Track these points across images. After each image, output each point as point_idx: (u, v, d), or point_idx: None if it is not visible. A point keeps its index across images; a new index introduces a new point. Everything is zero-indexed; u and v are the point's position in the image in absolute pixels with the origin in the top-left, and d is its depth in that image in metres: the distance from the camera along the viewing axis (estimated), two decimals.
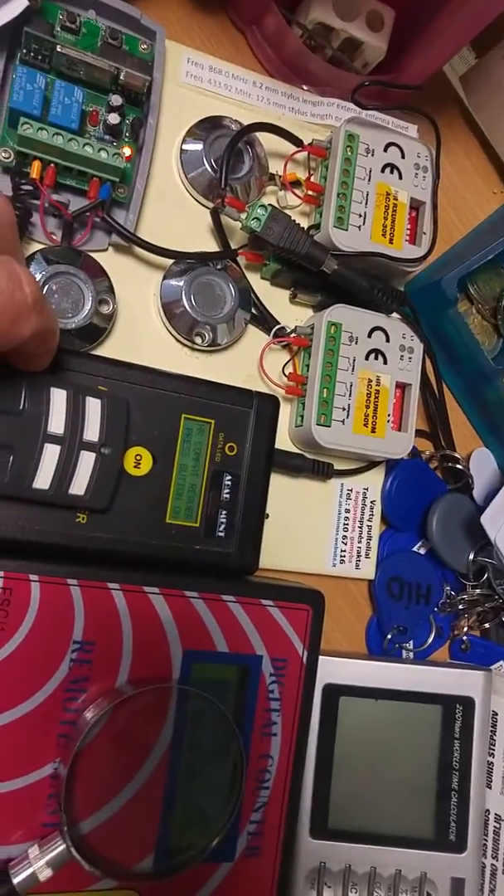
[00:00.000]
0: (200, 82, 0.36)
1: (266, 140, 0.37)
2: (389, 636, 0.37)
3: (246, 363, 0.36)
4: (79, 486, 0.27)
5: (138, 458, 0.29)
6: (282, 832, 0.30)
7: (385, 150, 0.37)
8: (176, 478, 0.30)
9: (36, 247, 0.32)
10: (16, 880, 0.24)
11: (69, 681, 0.27)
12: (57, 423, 0.27)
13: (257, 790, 0.29)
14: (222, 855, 0.28)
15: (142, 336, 0.34)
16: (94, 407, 0.27)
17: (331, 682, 0.33)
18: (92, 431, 0.27)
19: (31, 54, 0.31)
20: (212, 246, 0.36)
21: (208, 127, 0.36)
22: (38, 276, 0.31)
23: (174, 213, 0.35)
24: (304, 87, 0.39)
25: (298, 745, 0.30)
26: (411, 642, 0.37)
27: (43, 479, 0.26)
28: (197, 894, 0.28)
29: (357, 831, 0.33)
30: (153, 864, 0.27)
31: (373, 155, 0.37)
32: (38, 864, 0.25)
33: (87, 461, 0.27)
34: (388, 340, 0.36)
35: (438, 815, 0.34)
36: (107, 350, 0.33)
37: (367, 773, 0.33)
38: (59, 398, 0.27)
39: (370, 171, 0.37)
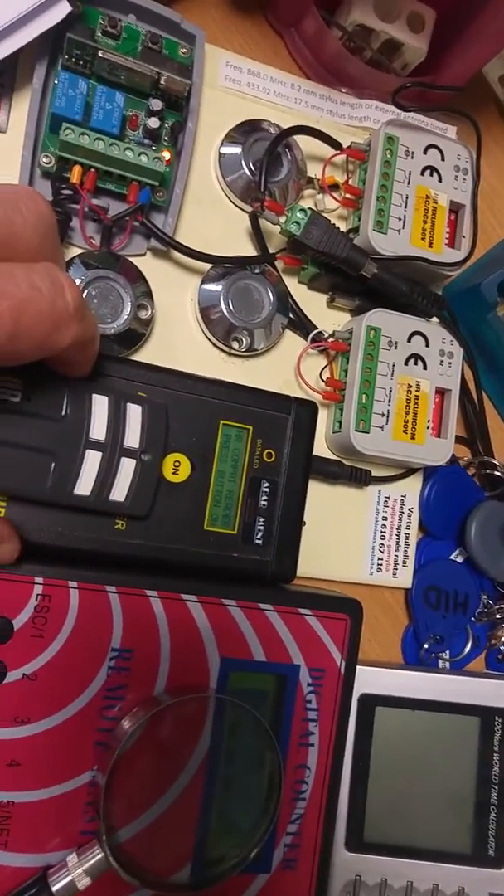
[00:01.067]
0: (239, 85, 0.36)
1: (304, 143, 0.36)
2: (426, 645, 0.36)
3: (283, 368, 0.35)
4: (119, 492, 0.26)
5: (177, 464, 0.29)
6: (319, 845, 0.29)
7: (425, 152, 0.36)
8: (214, 484, 0.29)
9: (75, 252, 0.32)
10: (55, 888, 0.24)
11: (107, 688, 0.26)
12: (98, 429, 0.26)
13: (294, 801, 0.29)
14: (258, 867, 0.28)
15: (179, 341, 0.34)
16: (134, 413, 0.27)
17: (367, 692, 0.33)
18: (133, 438, 0.27)
19: (73, 59, 0.31)
20: (249, 250, 0.35)
21: (247, 130, 0.35)
22: (77, 282, 0.31)
23: (212, 217, 0.35)
24: (343, 90, 0.38)
25: (336, 756, 0.30)
26: (448, 652, 0.37)
27: (84, 486, 0.26)
28: None
29: (393, 844, 0.32)
30: (190, 874, 0.27)
31: (412, 157, 0.36)
32: (76, 871, 0.24)
33: (127, 468, 0.27)
34: (427, 345, 0.35)
35: (477, 829, 0.33)
36: (145, 355, 0.33)
37: (404, 786, 0.33)
38: (100, 404, 0.26)
39: (409, 174, 0.36)
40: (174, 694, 0.27)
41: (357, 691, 0.32)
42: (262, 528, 0.30)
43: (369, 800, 0.32)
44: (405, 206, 0.35)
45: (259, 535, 0.30)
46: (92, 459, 0.26)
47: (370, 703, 0.33)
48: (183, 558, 0.28)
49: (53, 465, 0.25)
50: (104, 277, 0.32)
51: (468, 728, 0.34)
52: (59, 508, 0.26)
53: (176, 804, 0.27)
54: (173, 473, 0.28)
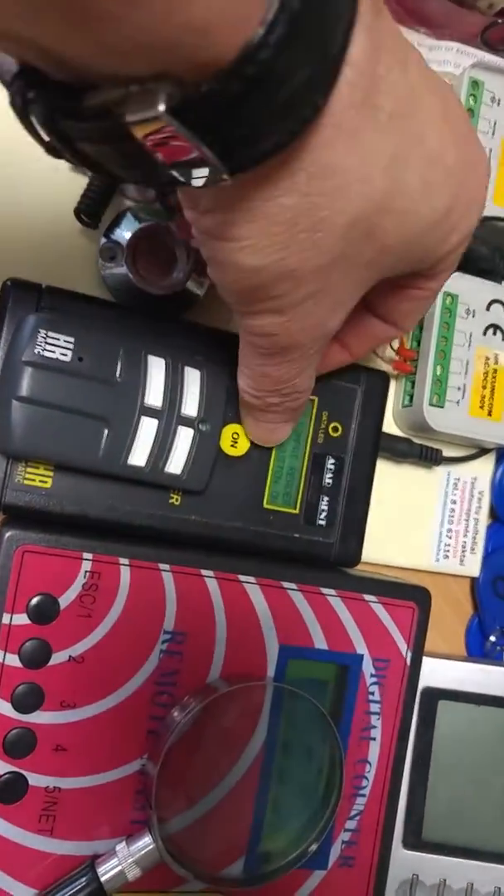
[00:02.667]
0: None
1: None
2: (492, 638, 0.33)
3: None
4: (176, 464, 0.24)
5: (235, 436, 0.26)
6: (378, 843, 0.27)
7: None
8: (275, 460, 0.27)
9: (127, 203, 0.29)
10: (104, 878, 0.23)
11: (159, 673, 0.25)
12: (155, 394, 0.24)
13: (353, 797, 0.27)
14: (315, 863, 0.26)
15: None
16: (193, 378, 0.25)
17: (429, 686, 0.30)
18: (191, 405, 0.25)
19: None
20: None
21: None
22: (127, 235, 0.28)
23: None
24: (420, 30, 0.35)
25: (398, 751, 0.27)
26: None
27: (139, 456, 0.24)
28: None
29: (454, 844, 0.30)
30: (243, 869, 0.25)
31: (499, 105, 0.32)
32: (126, 862, 0.23)
33: (185, 437, 0.24)
34: None
35: None
36: (201, 318, 0.30)
37: (466, 783, 0.30)
38: (157, 367, 0.24)
39: (494, 125, 0.32)
40: (230, 681, 0.25)
41: (419, 684, 0.30)
42: (325, 507, 0.27)
43: (429, 797, 0.30)
44: (490, 161, 0.32)
45: (322, 516, 0.27)
46: (147, 427, 0.24)
47: (433, 696, 0.30)
48: (241, 537, 0.26)
49: (106, 432, 0.23)
50: (158, 232, 0.29)
51: None
52: (110, 479, 0.24)
53: (230, 796, 0.25)
54: (232, 446, 0.26)
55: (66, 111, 0.14)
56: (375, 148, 0.16)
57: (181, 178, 0.15)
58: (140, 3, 0.12)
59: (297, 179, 0.15)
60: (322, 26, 0.14)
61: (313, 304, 0.18)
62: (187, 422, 0.25)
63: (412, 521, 0.33)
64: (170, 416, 0.24)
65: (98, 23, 0.12)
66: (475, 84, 0.32)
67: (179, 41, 0.12)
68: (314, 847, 0.25)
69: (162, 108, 0.13)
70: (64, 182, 0.29)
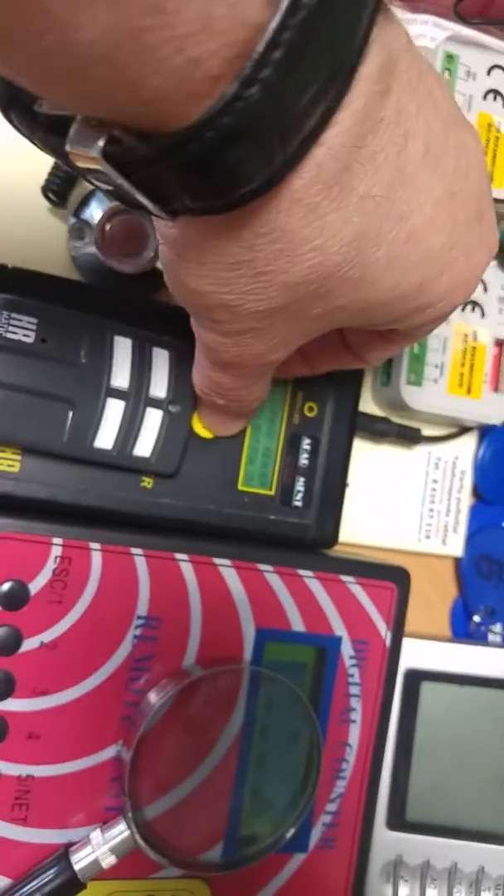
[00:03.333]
0: None
1: None
2: (476, 618, 0.32)
3: None
4: (144, 447, 0.23)
5: None
6: (359, 824, 0.26)
7: (488, 73, 0.32)
8: (249, 441, 0.26)
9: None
10: (77, 867, 0.22)
11: (133, 659, 0.24)
12: (121, 376, 0.23)
13: (334, 780, 0.26)
14: (295, 846, 0.25)
15: None
16: (161, 359, 0.24)
17: (412, 667, 0.29)
18: (159, 387, 0.23)
19: None
20: None
21: None
22: (98, 214, 0.27)
23: None
24: (395, 3, 0.33)
25: (379, 733, 0.27)
26: (500, 625, 0.33)
27: (105, 439, 0.23)
28: (268, 885, 0.25)
29: (437, 824, 0.29)
30: (222, 854, 0.24)
31: (474, 79, 0.31)
32: (101, 850, 0.22)
33: (153, 419, 0.23)
34: (485, 291, 0.31)
35: None
36: (171, 298, 0.29)
37: (450, 764, 0.30)
38: (123, 348, 0.23)
39: (470, 99, 0.31)
40: (205, 666, 0.24)
41: (402, 665, 0.29)
42: (301, 488, 0.26)
43: (413, 778, 0.29)
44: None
45: (298, 497, 0.26)
46: (114, 409, 0.23)
47: (416, 677, 0.29)
48: (215, 520, 0.25)
49: (71, 414, 0.22)
50: (128, 210, 0.28)
51: None
52: (78, 463, 0.23)
53: (207, 781, 0.24)
54: (205, 428, 0.25)
55: (24, 112, 0.13)
56: (338, 226, 0.14)
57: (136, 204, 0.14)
58: (82, 76, 0.10)
59: (243, 234, 0.14)
60: (284, 121, 0.12)
61: (253, 338, 0.17)
62: (156, 403, 0.23)
63: (393, 502, 0.31)
64: (137, 398, 0.23)
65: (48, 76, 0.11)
66: (450, 58, 0.30)
67: (124, 107, 0.11)
68: (292, 831, 0.24)
69: (97, 150, 0.12)
70: (30, 160, 0.28)
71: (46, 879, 0.22)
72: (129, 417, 0.23)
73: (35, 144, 0.15)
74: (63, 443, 0.22)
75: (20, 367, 0.22)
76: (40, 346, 0.22)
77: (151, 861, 0.22)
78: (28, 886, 0.22)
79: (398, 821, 0.29)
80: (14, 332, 0.22)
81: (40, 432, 0.22)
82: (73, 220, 0.27)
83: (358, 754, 0.26)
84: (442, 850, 0.29)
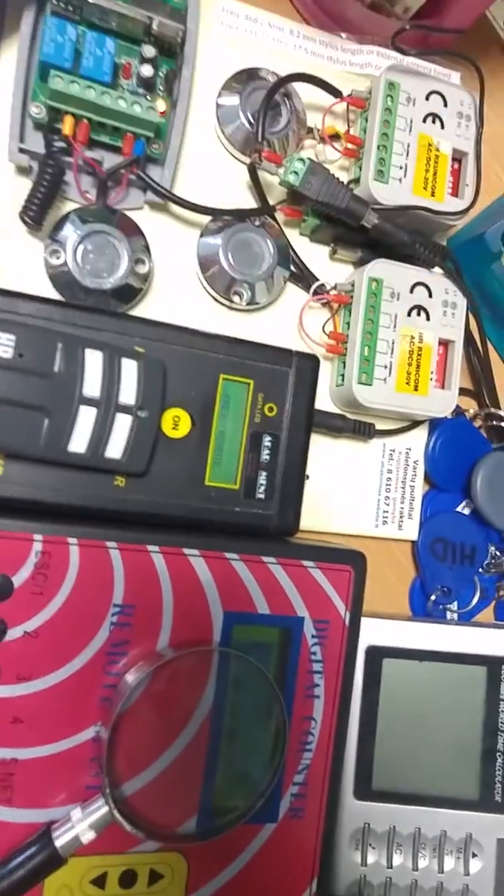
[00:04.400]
0: (236, 31, 0.32)
1: (304, 91, 0.32)
2: (433, 597, 0.33)
3: (285, 322, 0.32)
4: (115, 449, 0.24)
5: (176, 419, 0.26)
6: (325, 794, 0.27)
7: (427, 98, 0.32)
8: (215, 439, 0.26)
9: (70, 206, 0.29)
10: (58, 843, 0.22)
11: (110, 644, 0.24)
12: (92, 385, 0.24)
13: (300, 752, 0.26)
14: (265, 816, 0.26)
15: (178, 295, 0.31)
16: (129, 369, 0.24)
17: (374, 644, 0.30)
18: (128, 394, 0.24)
19: (62, 4, 0.28)
20: (249, 202, 0.32)
21: (244, 79, 0.32)
22: (73, 237, 0.28)
23: (211, 169, 0.31)
24: (343, 35, 0.34)
25: (342, 707, 0.27)
26: (455, 603, 0.34)
27: (78, 443, 0.23)
28: (241, 855, 0.26)
29: (401, 793, 0.30)
30: (196, 825, 0.25)
31: (414, 104, 0.32)
32: (80, 826, 0.22)
33: (123, 424, 0.24)
34: (430, 296, 0.32)
35: (484, 776, 0.31)
36: (143, 310, 0.30)
37: (412, 735, 0.30)
38: (93, 360, 0.24)
39: (411, 122, 0.32)
40: (177, 648, 0.24)
41: (364, 643, 0.30)
42: (264, 482, 0.27)
43: (377, 749, 0.30)
44: (406, 155, 0.32)
45: (261, 490, 0.27)
46: (86, 416, 0.23)
47: (378, 654, 0.30)
48: (184, 514, 0.26)
49: (47, 421, 0.23)
50: (100, 232, 0.28)
51: (475, 678, 0.31)
52: (55, 466, 0.24)
53: (181, 757, 0.24)
54: (173, 429, 0.26)
55: None
56: None
57: None
58: None
59: None
60: None
61: None
62: (125, 409, 0.24)
63: (352, 492, 0.32)
64: (107, 405, 0.24)
65: None
66: (391, 85, 0.31)
67: None
68: (261, 801, 0.24)
69: None
70: (7, 186, 0.29)
71: (29, 855, 0.22)
72: (100, 423, 0.23)
73: None
74: (40, 448, 0.22)
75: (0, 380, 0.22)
76: (17, 360, 0.23)
77: (129, 835, 0.23)
78: (12, 863, 0.22)
79: (365, 790, 0.29)
80: None
81: (18, 439, 0.22)
82: (49, 241, 0.28)
83: (322, 727, 0.27)
84: (406, 816, 0.30)
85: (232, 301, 0.31)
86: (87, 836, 0.22)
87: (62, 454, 0.23)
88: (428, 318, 0.31)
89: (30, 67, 0.28)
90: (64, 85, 0.27)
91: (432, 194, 0.32)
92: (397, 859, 0.30)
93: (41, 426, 0.23)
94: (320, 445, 0.32)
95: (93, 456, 0.23)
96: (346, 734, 0.27)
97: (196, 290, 0.31)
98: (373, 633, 0.30)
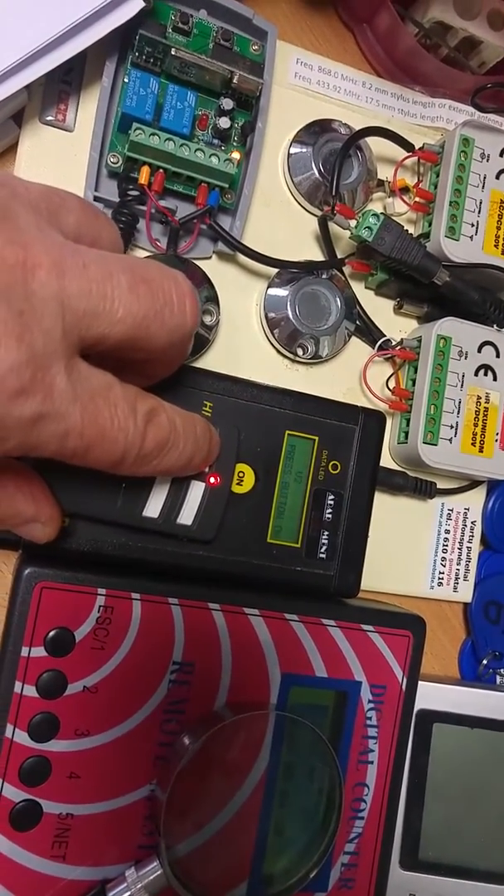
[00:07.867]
0: (309, 83, 0.33)
1: (375, 144, 0.33)
2: (485, 661, 0.33)
3: (348, 376, 0.33)
4: (187, 515, 0.25)
5: (241, 475, 0.26)
6: (376, 864, 0.27)
7: (501, 155, 0.33)
8: (278, 496, 0.27)
9: (141, 254, 0.30)
10: None
11: (168, 702, 0.24)
12: None
13: (352, 820, 0.27)
14: (316, 885, 0.26)
15: (244, 347, 0.31)
16: None
17: (424, 708, 0.30)
18: None
19: (144, 57, 0.29)
20: (316, 253, 0.33)
21: (316, 131, 0.33)
22: None
23: (280, 220, 0.32)
24: (416, 88, 0.35)
25: (395, 774, 0.27)
26: None
27: (153, 508, 0.24)
28: None
29: (449, 864, 0.30)
30: (247, 892, 0.25)
31: (488, 160, 0.33)
32: (135, 887, 0.23)
33: (196, 492, 0.25)
34: (498, 356, 0.32)
35: None
36: (208, 361, 0.31)
37: (461, 804, 0.30)
38: None
39: (484, 178, 0.33)
40: (235, 709, 0.25)
41: (415, 706, 0.30)
42: (326, 541, 0.27)
43: (425, 818, 0.30)
44: (479, 212, 0.32)
45: (323, 549, 0.27)
46: (161, 482, 0.24)
47: (428, 719, 0.30)
48: (246, 571, 0.26)
49: (124, 485, 0.23)
50: None
51: None
52: (126, 528, 0.24)
53: (234, 820, 0.25)
54: (237, 484, 0.26)
55: None
56: None
57: None
58: None
59: None
60: None
61: None
62: (199, 476, 0.25)
63: (408, 551, 0.33)
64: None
65: None
66: (466, 141, 0.32)
67: None
68: (315, 870, 0.25)
69: None
70: None
71: None
72: (174, 490, 0.24)
73: None
74: (116, 511, 0.23)
75: None
76: None
77: None
78: None
79: (412, 861, 0.30)
80: None
81: (96, 503, 0.23)
82: None
83: (375, 795, 0.27)
84: (453, 889, 0.30)
85: (296, 354, 0.31)
86: None
87: (137, 519, 0.24)
88: (495, 378, 0.32)
89: (109, 118, 0.29)
90: (145, 137, 0.28)
91: (503, 252, 0.33)
92: None
93: (118, 489, 0.23)
94: (378, 502, 0.32)
95: (165, 521, 0.24)
96: (398, 802, 0.27)
97: (260, 341, 0.32)
98: (423, 696, 0.30)
